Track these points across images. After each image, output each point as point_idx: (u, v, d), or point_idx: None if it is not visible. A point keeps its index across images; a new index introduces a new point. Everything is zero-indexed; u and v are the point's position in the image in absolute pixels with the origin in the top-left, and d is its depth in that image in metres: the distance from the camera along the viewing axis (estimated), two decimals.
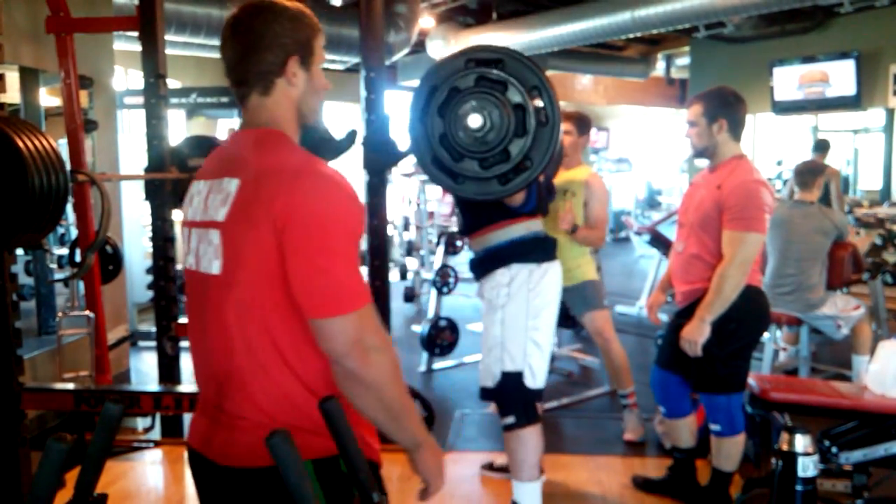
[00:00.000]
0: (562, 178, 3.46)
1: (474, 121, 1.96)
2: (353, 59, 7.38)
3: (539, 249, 2.50)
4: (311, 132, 2.84)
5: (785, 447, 2.07)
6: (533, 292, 2.43)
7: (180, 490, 3.08)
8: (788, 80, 8.22)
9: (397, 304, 6.36)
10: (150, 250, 3.46)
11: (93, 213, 3.53)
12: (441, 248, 5.30)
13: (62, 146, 3.02)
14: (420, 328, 4.72)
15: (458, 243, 5.44)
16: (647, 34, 8.10)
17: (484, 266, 2.52)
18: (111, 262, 3.83)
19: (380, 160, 3.09)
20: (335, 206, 1.12)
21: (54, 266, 4.89)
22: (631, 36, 7.80)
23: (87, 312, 3.57)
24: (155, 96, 3.27)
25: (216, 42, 6.05)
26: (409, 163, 5.58)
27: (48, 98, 4.60)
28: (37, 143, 2.26)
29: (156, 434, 3.45)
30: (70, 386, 3.08)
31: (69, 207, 3.56)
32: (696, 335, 2.46)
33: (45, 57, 3.72)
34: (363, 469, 1.08)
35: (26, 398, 2.71)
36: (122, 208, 4.79)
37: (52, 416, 3.73)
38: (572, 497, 2.91)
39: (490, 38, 8.08)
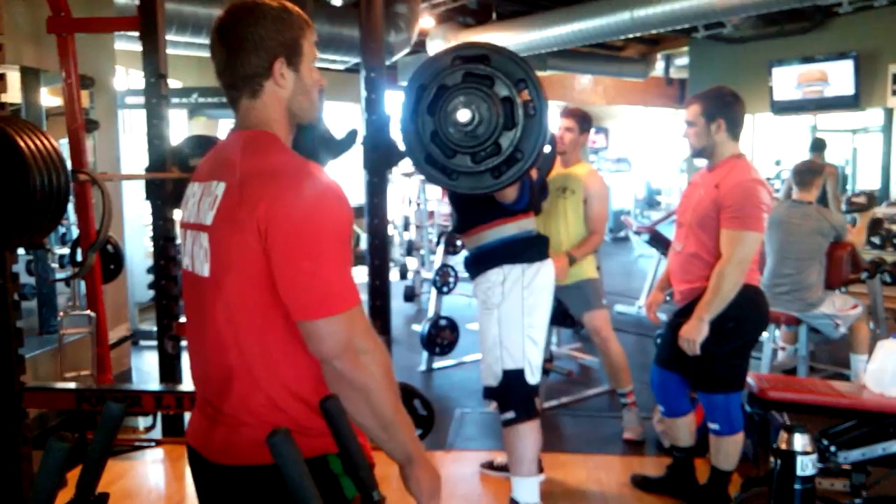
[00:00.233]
0: (560, 175, 3.47)
1: (463, 116, 1.98)
2: (354, 59, 7.37)
3: (532, 248, 2.54)
4: (311, 132, 2.84)
5: (783, 446, 2.07)
6: (527, 290, 2.46)
7: (181, 489, 3.09)
8: (787, 80, 8.23)
9: (397, 304, 6.36)
10: (152, 250, 3.46)
11: (94, 212, 3.54)
12: (441, 248, 5.31)
13: (63, 146, 3.03)
14: (420, 327, 4.73)
15: (458, 243, 5.44)
16: (646, 34, 8.12)
17: (478, 265, 2.56)
18: (112, 262, 3.84)
19: (380, 160, 3.09)
20: (319, 207, 1.11)
21: (55, 265, 4.90)
22: (630, 36, 7.82)
23: (88, 312, 3.57)
24: (156, 96, 3.28)
25: None
26: (409, 162, 5.59)
27: (49, 98, 4.61)
28: (38, 142, 2.27)
29: (157, 433, 3.45)
30: (71, 385, 3.10)
31: (70, 207, 3.56)
32: (695, 334, 2.47)
33: (47, 57, 3.72)
34: (364, 467, 1.08)
35: (28, 397, 2.72)
36: (123, 208, 4.80)
37: (53, 415, 3.74)
38: (571, 496, 2.92)
39: (490, 38, 8.08)
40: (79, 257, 3.72)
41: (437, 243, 5.86)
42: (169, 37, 4.69)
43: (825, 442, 2.52)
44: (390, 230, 7.32)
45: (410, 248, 7.35)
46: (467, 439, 3.56)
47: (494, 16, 8.27)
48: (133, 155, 5.40)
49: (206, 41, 6.77)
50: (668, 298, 2.91)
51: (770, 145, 9.88)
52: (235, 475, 1.18)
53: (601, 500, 2.90)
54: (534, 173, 2.55)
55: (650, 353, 3.38)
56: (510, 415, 2.47)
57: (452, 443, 3.49)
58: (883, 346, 2.75)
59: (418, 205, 7.31)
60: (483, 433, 3.64)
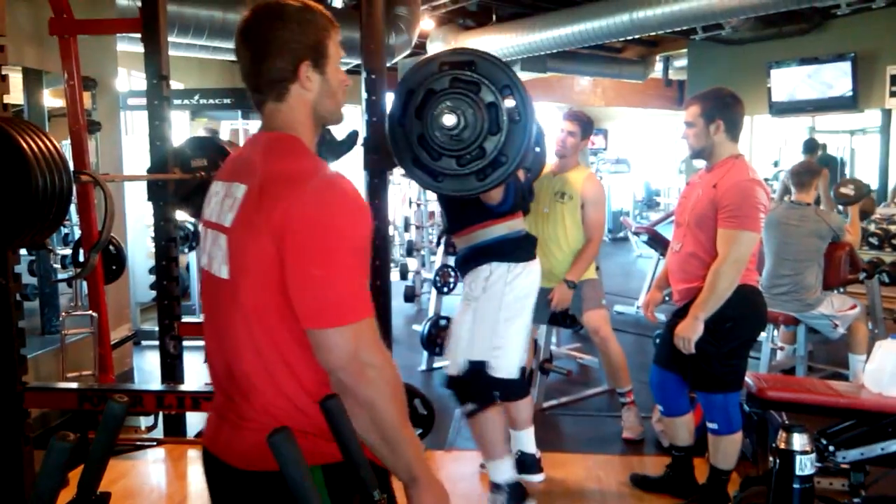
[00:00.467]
0: (559, 179, 3.49)
1: (449, 120, 2.03)
2: (354, 61, 7.39)
3: (520, 248, 2.62)
4: None
5: (782, 445, 2.09)
6: (508, 287, 2.54)
7: (183, 488, 3.10)
8: (785, 82, 8.25)
9: (397, 304, 6.36)
10: (153, 250, 3.48)
11: (96, 213, 3.55)
12: (441, 248, 5.32)
13: (65, 147, 3.04)
14: (420, 327, 4.74)
15: None
16: (645, 36, 8.15)
17: (467, 263, 2.65)
18: (114, 262, 3.85)
19: (380, 161, 3.10)
20: (335, 214, 1.09)
21: (58, 266, 4.91)
22: (629, 38, 7.83)
23: (90, 312, 3.58)
24: (158, 97, 3.29)
25: (219, 44, 6.08)
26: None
27: (51, 99, 4.62)
28: (40, 143, 2.28)
29: (158, 433, 3.47)
30: (73, 385, 3.11)
31: (73, 208, 3.58)
32: (690, 332, 2.48)
33: (49, 58, 3.74)
34: (364, 467, 1.07)
35: (30, 397, 2.73)
36: (125, 209, 4.82)
37: (55, 415, 3.75)
38: (571, 495, 2.93)
39: (490, 39, 8.10)
40: (81, 258, 3.73)
41: (438, 244, 5.87)
42: (171, 38, 4.71)
43: (824, 441, 2.53)
44: (390, 231, 7.34)
45: (411, 249, 7.36)
46: (467, 439, 3.55)
47: (494, 18, 8.29)
48: (135, 156, 5.41)
49: (208, 43, 6.80)
50: (666, 298, 2.92)
51: (768, 147, 9.90)
52: (259, 480, 1.15)
53: (600, 500, 2.91)
54: (521, 174, 2.61)
55: (649, 352, 3.39)
56: (471, 406, 2.57)
57: (452, 442, 3.50)
58: (881, 346, 2.76)
59: (419, 205, 7.33)
60: None
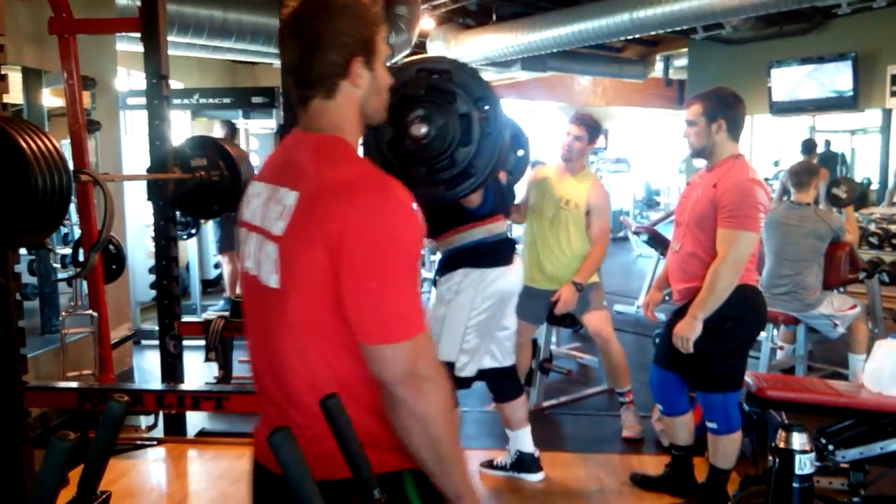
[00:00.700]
0: (564, 186, 3.48)
1: (417, 129, 2.01)
2: None
3: (496, 253, 2.63)
4: None
5: (782, 445, 2.08)
6: (480, 294, 2.57)
7: (183, 488, 3.10)
8: (786, 81, 8.25)
9: None
10: (153, 250, 3.48)
11: (96, 212, 3.55)
12: None
13: (65, 146, 3.04)
14: None
15: None
16: (645, 35, 8.13)
17: (444, 267, 2.67)
18: (114, 262, 3.85)
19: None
20: (393, 225, 1.06)
21: (58, 265, 4.90)
22: (629, 37, 7.83)
23: (90, 311, 3.58)
24: (157, 97, 3.30)
25: (218, 43, 6.07)
26: None
27: (51, 99, 4.61)
28: (40, 143, 2.28)
29: (159, 432, 3.46)
30: (73, 384, 3.11)
31: (72, 207, 3.58)
32: (688, 332, 2.48)
33: (48, 58, 3.73)
34: (364, 466, 1.07)
35: (30, 397, 2.73)
36: (125, 208, 4.82)
37: (55, 414, 3.75)
38: (570, 494, 2.93)
39: (490, 39, 8.10)
40: (81, 257, 3.73)
41: None
42: (170, 38, 4.70)
43: (823, 441, 2.53)
44: None
45: None
46: (467, 438, 3.57)
47: (494, 17, 8.28)
48: (135, 155, 5.41)
49: (208, 42, 6.78)
50: (666, 298, 2.92)
51: (769, 146, 9.90)
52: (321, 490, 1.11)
53: (600, 499, 2.92)
54: (503, 176, 2.62)
55: (649, 352, 3.39)
56: None
57: None
58: (881, 345, 2.76)
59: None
60: (483, 432, 3.65)
